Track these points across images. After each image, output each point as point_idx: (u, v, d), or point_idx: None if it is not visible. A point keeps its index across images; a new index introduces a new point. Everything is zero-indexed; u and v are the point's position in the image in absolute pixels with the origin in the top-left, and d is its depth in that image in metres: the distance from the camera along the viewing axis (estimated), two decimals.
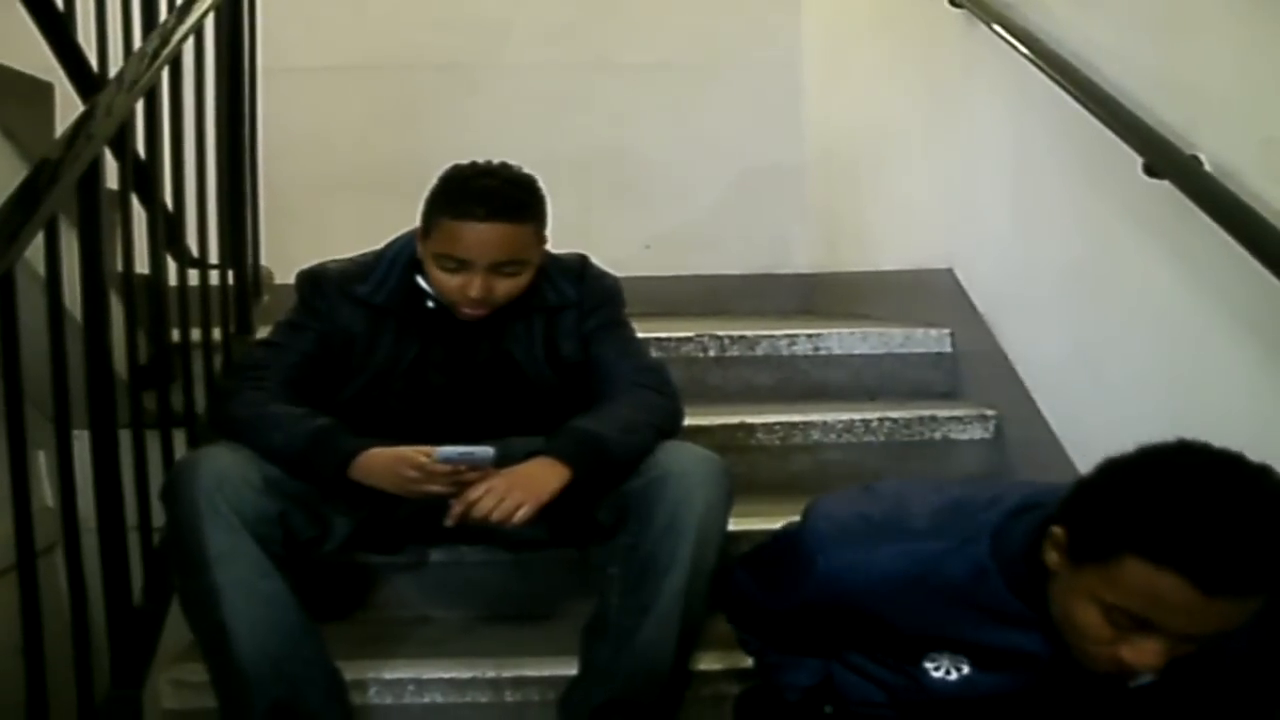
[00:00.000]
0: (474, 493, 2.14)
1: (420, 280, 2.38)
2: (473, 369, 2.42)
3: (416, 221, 2.37)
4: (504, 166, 2.32)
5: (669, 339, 3.27)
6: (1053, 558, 1.55)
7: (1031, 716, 1.74)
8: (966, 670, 1.73)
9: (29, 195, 1.92)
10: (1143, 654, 1.47)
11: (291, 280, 2.52)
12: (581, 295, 2.45)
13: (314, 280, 2.44)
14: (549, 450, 2.20)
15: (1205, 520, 1.39)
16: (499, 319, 2.38)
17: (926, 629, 1.72)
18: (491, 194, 2.24)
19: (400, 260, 2.40)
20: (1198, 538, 1.38)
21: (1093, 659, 1.54)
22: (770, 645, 2.05)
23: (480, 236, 2.23)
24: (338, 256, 2.49)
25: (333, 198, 4.52)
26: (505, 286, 2.29)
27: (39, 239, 1.95)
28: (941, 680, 1.74)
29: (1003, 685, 1.72)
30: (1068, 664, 1.61)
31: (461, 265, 2.26)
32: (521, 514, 2.12)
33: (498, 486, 2.14)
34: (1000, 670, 1.71)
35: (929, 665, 1.75)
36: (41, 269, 2.03)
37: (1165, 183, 2.15)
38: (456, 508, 2.15)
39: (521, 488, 2.14)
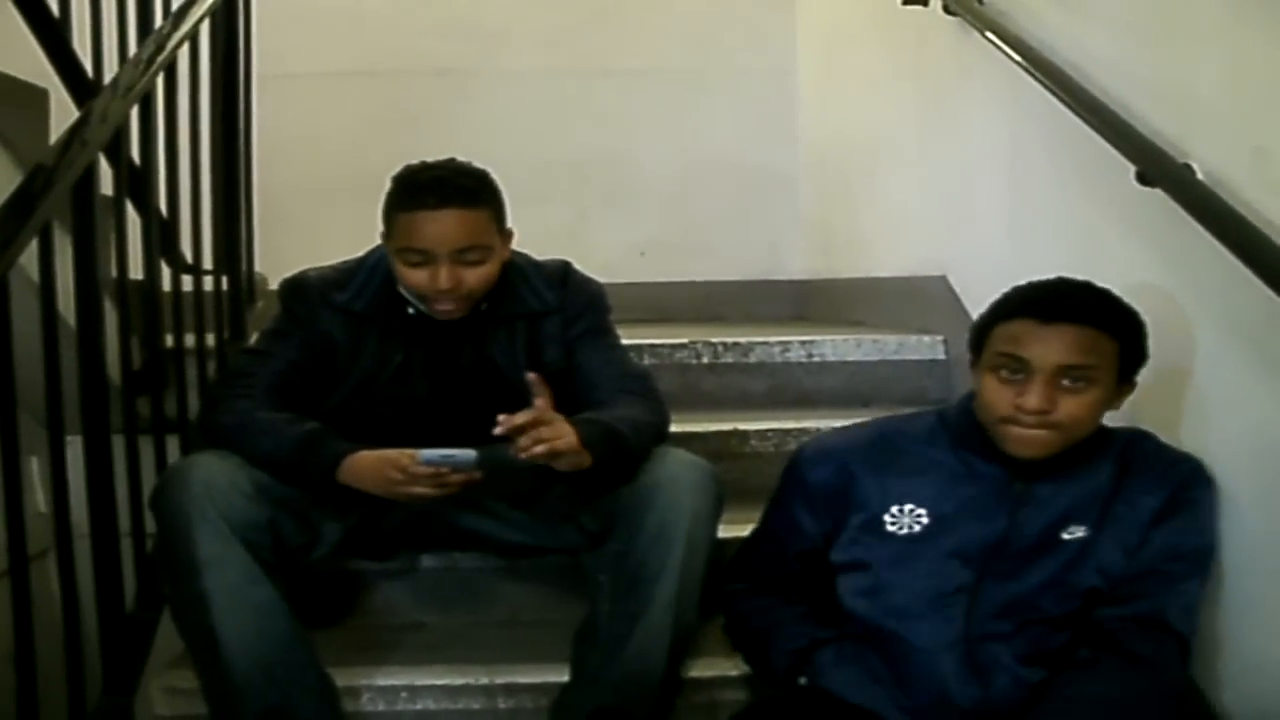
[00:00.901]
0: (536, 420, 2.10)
1: (401, 287, 2.39)
2: (455, 375, 2.42)
3: None
4: (452, 160, 2.34)
5: (663, 345, 3.27)
6: (973, 379, 2.07)
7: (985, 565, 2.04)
8: (926, 521, 2.07)
9: (23, 201, 1.93)
10: (1029, 395, 1.94)
11: None
12: (564, 301, 2.46)
13: (295, 288, 2.45)
14: None
15: (1037, 284, 2.04)
16: (481, 325, 2.39)
17: (886, 480, 2.11)
18: (441, 182, 2.27)
19: (381, 268, 2.41)
20: (1032, 290, 2.03)
21: (1005, 422, 1.98)
22: (769, 592, 2.24)
23: (436, 225, 2.25)
24: (332, 262, 2.50)
25: (328, 204, 4.51)
26: (472, 276, 2.30)
27: (33, 245, 1.95)
28: (907, 534, 2.07)
29: (958, 534, 2.04)
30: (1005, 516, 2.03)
31: (424, 258, 2.28)
32: (566, 441, 2.09)
33: (558, 421, 2.12)
34: (950, 514, 2.06)
35: (890, 525, 2.09)
36: (35, 275, 2.03)
37: (1158, 191, 2.15)
38: (523, 439, 2.09)
39: (567, 434, 2.12)
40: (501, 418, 2.08)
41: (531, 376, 2.16)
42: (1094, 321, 1.95)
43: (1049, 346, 1.94)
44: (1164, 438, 2.14)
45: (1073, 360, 1.94)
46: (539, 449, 2.07)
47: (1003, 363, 1.98)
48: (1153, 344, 2.04)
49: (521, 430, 2.08)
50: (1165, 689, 1.93)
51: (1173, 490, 2.03)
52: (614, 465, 2.19)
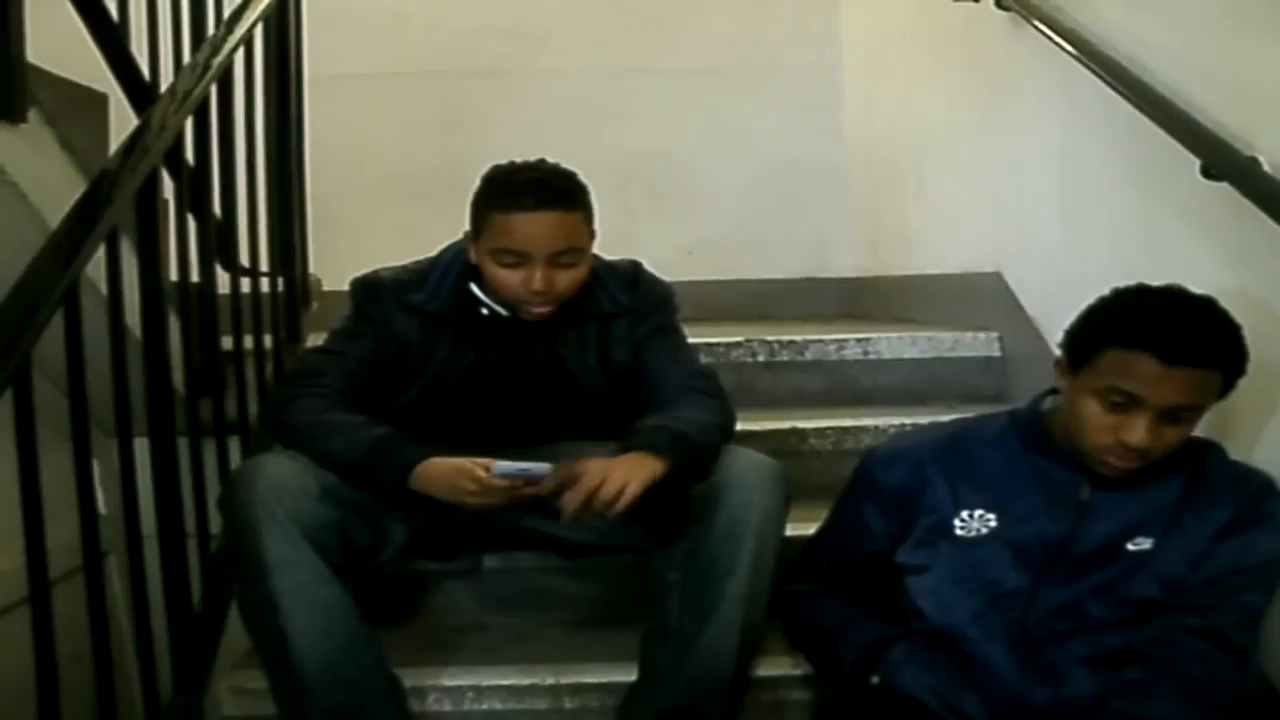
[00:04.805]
0: (579, 471, 2.09)
1: (474, 287, 2.39)
2: (526, 375, 2.42)
3: (460, 228, 2.38)
4: (543, 161, 2.33)
5: (718, 344, 3.27)
6: (1061, 381, 2.02)
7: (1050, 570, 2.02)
8: (994, 524, 2.05)
9: (89, 209, 1.94)
10: (1134, 431, 1.89)
11: (337, 287, 2.52)
12: (635, 302, 2.45)
13: (370, 288, 2.44)
14: (639, 445, 2.16)
15: (1160, 311, 1.89)
16: (553, 325, 2.38)
17: (958, 484, 2.10)
18: (539, 184, 2.26)
19: (454, 268, 2.40)
20: (1159, 323, 1.87)
21: (1101, 450, 1.95)
22: (833, 593, 2.26)
23: (534, 226, 2.24)
24: (381, 263, 2.49)
25: (376, 205, 4.54)
26: (565, 278, 2.30)
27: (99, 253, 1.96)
28: (975, 537, 2.06)
29: (1021, 537, 2.03)
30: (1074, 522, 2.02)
31: (520, 259, 2.26)
32: (631, 490, 2.07)
33: (601, 468, 2.09)
34: (1017, 517, 2.04)
35: (959, 530, 2.08)
36: (97, 281, 2.04)
37: (1224, 184, 2.14)
38: (567, 498, 2.09)
39: (625, 469, 2.09)
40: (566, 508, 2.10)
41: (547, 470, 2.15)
42: (1215, 363, 1.89)
43: (1166, 388, 1.87)
44: (1237, 439, 2.13)
45: (1186, 401, 1.89)
46: (618, 507, 2.07)
47: (1112, 393, 1.91)
48: None
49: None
50: (1222, 709, 1.91)
51: (1241, 504, 1.98)
52: (686, 469, 2.17)
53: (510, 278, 2.28)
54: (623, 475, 2.09)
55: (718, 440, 2.26)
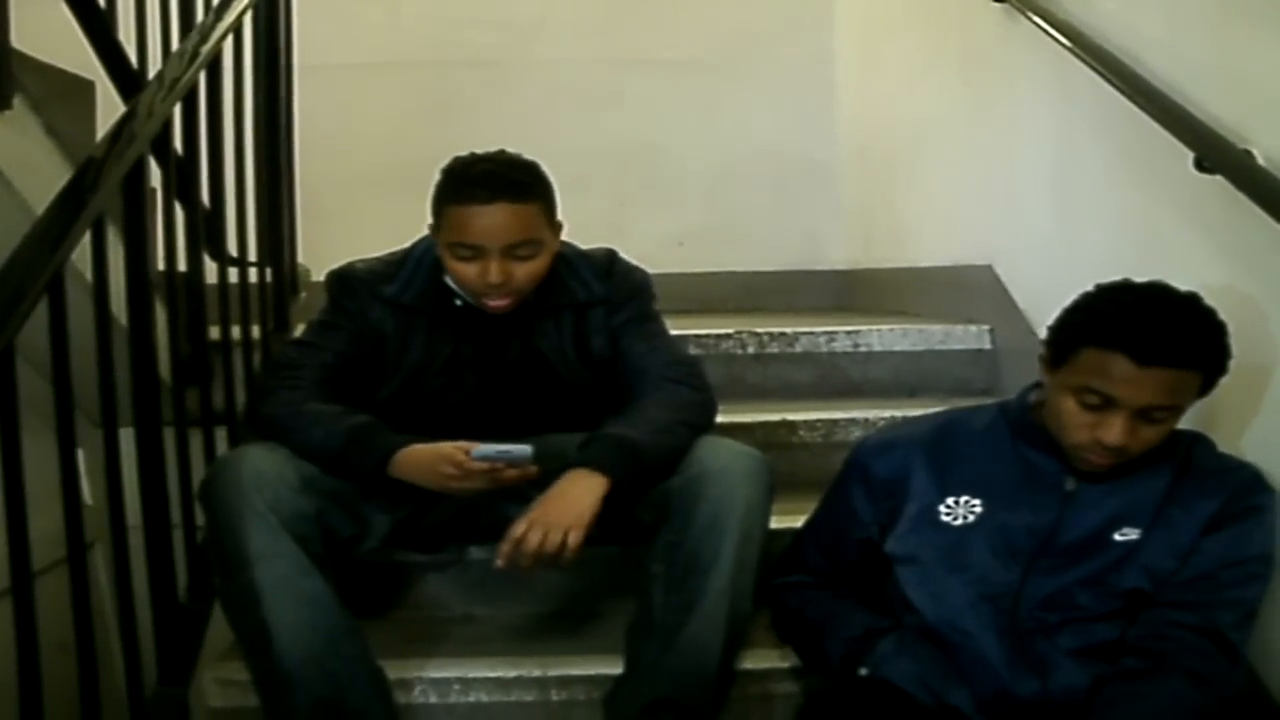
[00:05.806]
0: (517, 530, 2.11)
1: (448, 279, 2.38)
2: (504, 367, 2.41)
3: None
4: (502, 152, 2.32)
5: (708, 336, 3.26)
6: (1043, 376, 2.03)
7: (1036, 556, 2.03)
8: (979, 510, 2.06)
9: (75, 195, 1.93)
10: (1110, 430, 1.90)
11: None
12: (610, 291, 2.44)
13: (343, 281, 2.44)
14: (583, 461, 2.17)
15: (1137, 311, 1.89)
16: (528, 316, 2.38)
17: (945, 472, 2.11)
18: (492, 176, 2.24)
19: (427, 259, 2.40)
20: (1133, 324, 1.87)
21: (1080, 448, 1.96)
22: (822, 585, 2.25)
23: (488, 219, 2.23)
24: (371, 253, 2.49)
25: (365, 195, 4.52)
26: (523, 271, 2.28)
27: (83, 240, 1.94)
28: (961, 525, 2.07)
29: (1008, 526, 2.04)
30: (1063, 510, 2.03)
31: (475, 252, 2.26)
32: (573, 539, 2.10)
33: (539, 519, 2.11)
34: (1003, 506, 2.05)
35: (944, 516, 2.08)
36: (81, 270, 2.03)
37: (1217, 177, 2.13)
38: (505, 547, 2.12)
39: (562, 513, 2.11)
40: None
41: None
42: (1191, 364, 1.89)
43: (1141, 389, 1.87)
44: (1227, 434, 2.12)
45: (1161, 401, 1.89)
46: (566, 542, 2.11)
47: (1088, 392, 1.91)
48: None
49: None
50: (1220, 707, 1.91)
51: (1229, 497, 1.99)
52: (635, 477, 2.18)
53: (467, 270, 2.28)
54: (565, 522, 2.11)
55: (684, 438, 2.25)
